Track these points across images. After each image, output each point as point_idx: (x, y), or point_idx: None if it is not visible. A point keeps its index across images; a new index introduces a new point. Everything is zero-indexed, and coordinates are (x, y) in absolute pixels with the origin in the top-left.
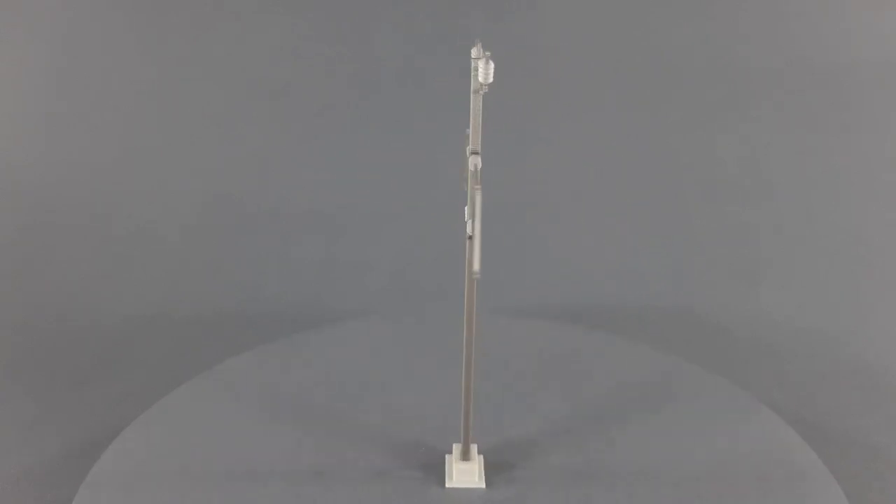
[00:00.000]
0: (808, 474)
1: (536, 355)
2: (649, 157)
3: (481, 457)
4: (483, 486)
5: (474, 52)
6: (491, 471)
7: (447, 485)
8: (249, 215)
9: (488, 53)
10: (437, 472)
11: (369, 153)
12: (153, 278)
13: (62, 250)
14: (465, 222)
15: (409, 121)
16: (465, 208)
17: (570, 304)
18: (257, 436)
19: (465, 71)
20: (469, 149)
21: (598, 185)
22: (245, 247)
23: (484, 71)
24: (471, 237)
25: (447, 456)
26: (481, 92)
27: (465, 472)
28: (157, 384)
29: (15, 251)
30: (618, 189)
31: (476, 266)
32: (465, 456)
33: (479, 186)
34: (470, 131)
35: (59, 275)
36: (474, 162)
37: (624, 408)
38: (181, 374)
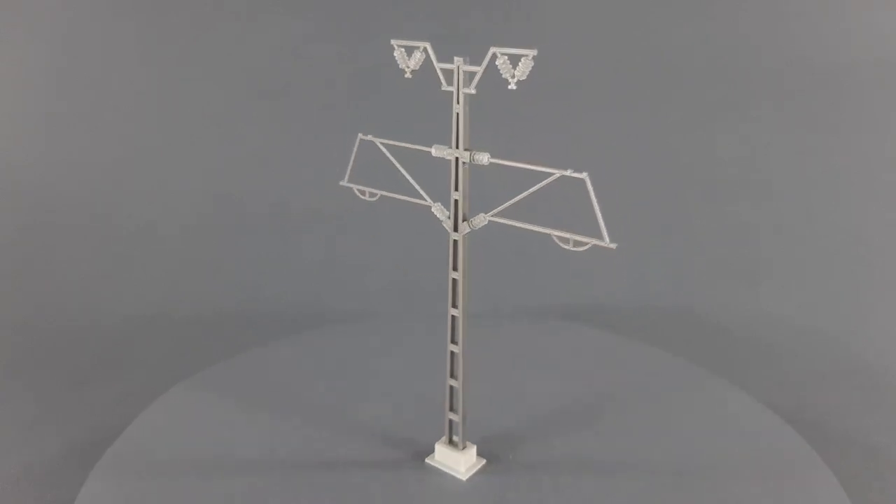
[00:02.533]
0: (809, 472)
1: (537, 354)
2: (649, 156)
3: (473, 448)
4: (466, 474)
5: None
6: (486, 461)
7: (431, 466)
8: (249, 215)
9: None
10: (426, 464)
11: (369, 153)
12: (153, 278)
13: (62, 250)
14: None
15: (408, 121)
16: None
17: (570, 304)
18: (257, 435)
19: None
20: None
21: (598, 184)
22: (245, 247)
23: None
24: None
25: (436, 444)
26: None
27: (451, 460)
28: (157, 384)
29: (15, 251)
30: (618, 189)
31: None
32: (451, 443)
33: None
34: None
35: (59, 275)
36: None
37: (624, 407)
38: (181, 374)
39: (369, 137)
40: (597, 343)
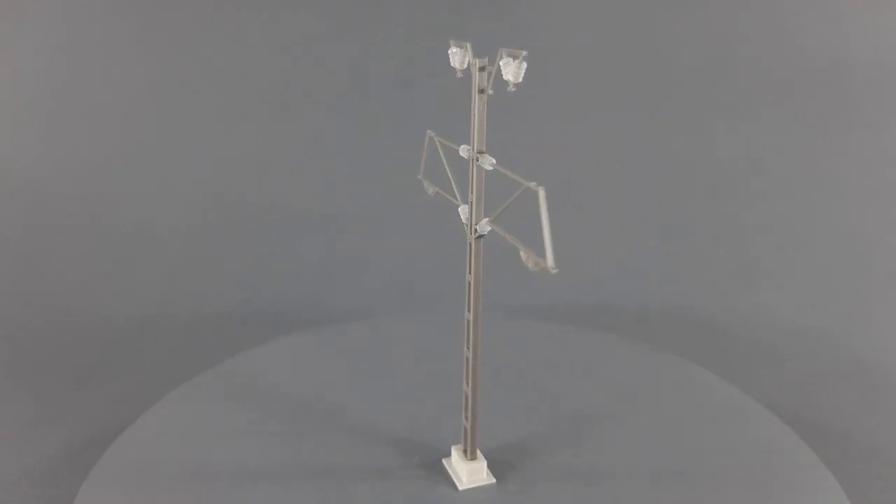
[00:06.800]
0: (807, 473)
1: (537, 355)
2: (649, 156)
3: (483, 461)
4: (492, 481)
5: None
6: (492, 470)
7: (459, 487)
8: (249, 215)
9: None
10: (436, 473)
11: (369, 153)
12: (153, 278)
13: (62, 250)
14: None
15: (409, 121)
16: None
17: (570, 304)
18: (258, 435)
19: (466, 71)
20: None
21: (599, 184)
22: (245, 247)
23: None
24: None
25: (448, 457)
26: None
27: (472, 472)
28: (157, 384)
29: (15, 251)
30: (618, 189)
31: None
32: (471, 456)
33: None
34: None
35: (59, 275)
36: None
37: (624, 407)
38: (181, 374)
39: (433, 135)
40: (597, 343)
